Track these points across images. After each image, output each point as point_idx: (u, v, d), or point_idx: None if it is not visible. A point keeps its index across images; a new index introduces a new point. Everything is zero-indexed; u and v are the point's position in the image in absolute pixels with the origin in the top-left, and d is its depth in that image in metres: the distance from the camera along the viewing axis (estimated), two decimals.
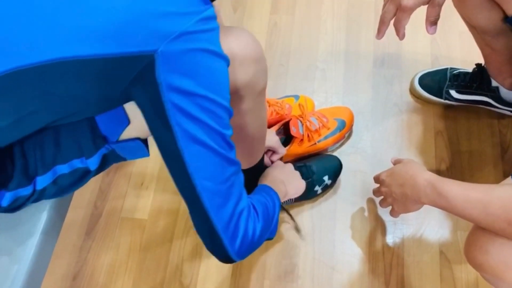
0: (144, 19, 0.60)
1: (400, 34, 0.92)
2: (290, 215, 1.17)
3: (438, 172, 1.22)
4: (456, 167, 1.22)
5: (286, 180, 1.05)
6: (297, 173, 1.12)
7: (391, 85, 1.35)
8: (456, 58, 1.36)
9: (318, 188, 1.16)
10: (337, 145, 1.25)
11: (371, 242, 1.14)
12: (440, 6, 0.84)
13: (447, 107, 1.29)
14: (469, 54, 1.22)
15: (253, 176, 1.03)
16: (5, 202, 0.77)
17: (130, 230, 1.20)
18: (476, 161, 1.23)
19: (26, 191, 0.77)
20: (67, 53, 0.60)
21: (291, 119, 1.18)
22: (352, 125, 1.26)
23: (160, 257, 1.16)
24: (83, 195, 1.24)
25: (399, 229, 1.15)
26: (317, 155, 1.22)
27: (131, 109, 0.77)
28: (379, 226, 1.16)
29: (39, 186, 0.78)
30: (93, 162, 0.79)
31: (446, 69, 1.28)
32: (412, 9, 0.85)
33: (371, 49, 1.41)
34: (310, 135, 1.18)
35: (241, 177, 0.74)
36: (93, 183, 1.25)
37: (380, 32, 0.94)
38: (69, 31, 0.60)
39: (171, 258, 1.15)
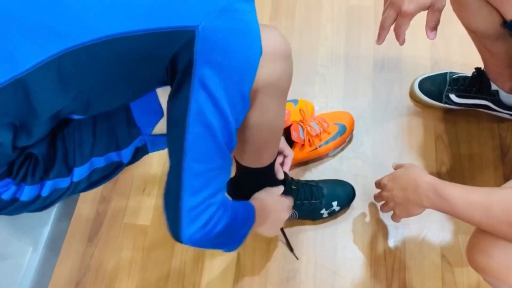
0: None
1: (401, 39, 0.92)
2: (285, 235, 1.14)
3: (439, 175, 1.21)
4: (457, 170, 1.22)
5: (269, 215, 0.97)
6: (286, 214, 1.03)
7: (391, 89, 1.35)
8: (456, 62, 1.36)
9: (324, 212, 1.14)
10: (338, 149, 1.25)
11: (373, 246, 1.14)
12: (440, 11, 0.85)
13: (447, 111, 1.29)
14: (469, 59, 1.23)
15: (260, 178, 1.01)
16: (45, 192, 0.77)
17: (132, 235, 1.19)
18: (477, 164, 1.23)
19: (64, 182, 0.77)
20: (115, 30, 0.61)
21: (291, 124, 1.18)
22: (352, 130, 1.26)
23: (162, 263, 1.16)
24: (85, 202, 1.24)
25: (400, 233, 1.15)
26: (331, 179, 1.18)
27: (165, 101, 0.75)
28: (381, 230, 1.16)
29: (76, 178, 0.78)
30: (126, 155, 0.80)
31: (446, 73, 1.28)
32: (412, 15, 0.85)
33: (371, 53, 1.41)
34: (311, 140, 1.19)
35: (226, 176, 0.75)
36: (95, 189, 1.25)
37: (381, 38, 0.94)
38: (114, 8, 0.61)
39: (174, 263, 1.15)
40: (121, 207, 1.23)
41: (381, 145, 1.27)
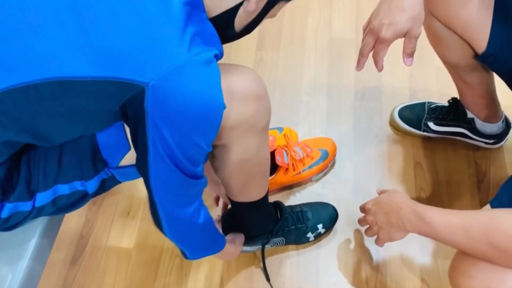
0: (143, 49, 0.61)
1: (379, 65, 0.93)
2: (264, 263, 1.13)
3: (418, 201, 1.21)
4: (435, 196, 1.24)
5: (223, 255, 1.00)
6: (234, 256, 1.06)
7: (372, 117, 1.38)
8: (433, 92, 1.40)
9: (311, 235, 1.15)
10: (321, 174, 1.26)
11: (355, 270, 1.14)
12: (416, 38, 0.87)
13: (425, 138, 1.32)
14: (446, 89, 1.27)
15: (252, 211, 1.02)
16: (4, 214, 0.76)
17: (116, 259, 1.18)
18: (454, 190, 1.25)
19: (25, 206, 0.77)
20: (64, 73, 0.61)
21: (276, 149, 1.19)
22: (335, 155, 1.28)
23: (146, 287, 1.14)
24: (69, 224, 1.22)
25: (381, 257, 1.15)
26: (313, 202, 1.20)
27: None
28: (363, 254, 1.16)
29: (38, 203, 0.78)
30: (91, 186, 0.80)
31: (424, 102, 1.31)
32: (390, 41, 0.87)
33: (352, 83, 1.44)
34: (294, 164, 1.20)
35: (201, 188, 0.78)
36: (79, 211, 1.24)
37: (360, 64, 0.96)
38: (67, 51, 0.61)
39: (157, 287, 1.13)
40: (105, 230, 1.22)
41: (362, 170, 1.29)
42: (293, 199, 1.24)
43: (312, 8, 1.61)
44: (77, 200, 0.80)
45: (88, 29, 0.61)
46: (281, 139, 1.21)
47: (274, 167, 1.20)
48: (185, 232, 0.83)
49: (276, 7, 0.75)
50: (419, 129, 1.30)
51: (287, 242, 1.14)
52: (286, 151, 1.19)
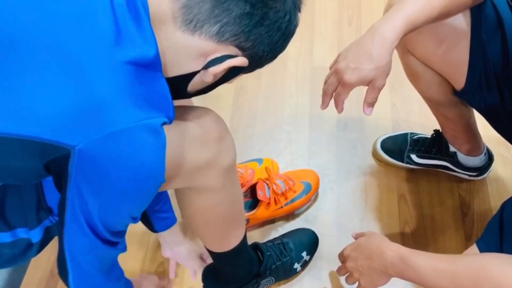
0: (73, 110, 0.55)
1: (339, 108, 0.89)
2: None
3: (402, 235, 1.18)
4: (420, 230, 1.19)
5: None
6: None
7: (354, 148, 1.33)
8: (416, 123, 1.36)
9: (297, 266, 1.08)
10: (304, 208, 1.20)
11: None
12: (379, 89, 0.83)
13: (409, 170, 1.28)
14: (428, 120, 1.23)
15: (230, 262, 0.95)
16: None
17: None
18: (438, 224, 1.20)
19: None
20: None
21: (257, 182, 1.13)
22: (318, 188, 1.22)
23: None
24: (40, 261, 1.12)
25: None
26: (291, 231, 1.14)
27: None
28: None
29: None
30: (35, 234, 0.73)
31: (407, 133, 1.28)
32: (352, 86, 0.83)
33: (334, 112, 1.36)
34: (276, 198, 1.14)
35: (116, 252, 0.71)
36: (51, 248, 1.14)
37: (324, 103, 0.91)
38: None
39: None
40: None
41: (345, 203, 1.23)
42: (274, 234, 1.17)
43: (293, 36, 1.57)
44: (23, 250, 0.72)
45: (13, 83, 0.54)
46: (263, 172, 1.15)
47: (255, 201, 1.14)
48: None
49: (235, 77, 0.70)
50: (402, 161, 1.26)
51: (277, 280, 1.07)
52: (267, 184, 1.13)
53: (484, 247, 0.77)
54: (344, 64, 0.82)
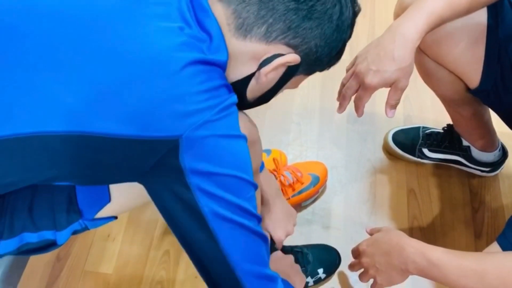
0: (172, 107, 0.57)
1: (359, 111, 0.86)
2: None
3: (411, 230, 1.15)
4: (428, 225, 1.16)
5: (287, 276, 0.88)
6: (298, 267, 0.97)
7: (365, 141, 1.30)
8: (429, 117, 1.32)
9: (310, 280, 1.03)
10: (311, 200, 1.18)
11: None
12: (402, 90, 0.79)
13: (419, 164, 1.24)
14: (441, 115, 1.19)
15: None
16: None
17: (93, 285, 1.07)
18: (448, 220, 1.17)
19: None
20: (93, 129, 0.55)
21: None
22: (326, 181, 1.19)
23: None
24: None
25: None
26: (315, 244, 1.09)
27: (115, 188, 0.70)
28: None
29: (1, 251, 0.68)
30: (62, 236, 0.70)
31: (419, 127, 1.24)
32: (375, 88, 0.79)
33: None
34: (284, 189, 1.11)
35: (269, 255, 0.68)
36: None
37: (342, 107, 0.88)
38: (97, 107, 0.56)
39: None
40: (83, 253, 1.12)
41: (354, 197, 1.20)
42: None
43: None
44: (44, 248, 0.71)
45: (117, 85, 0.56)
46: (270, 163, 1.13)
47: None
48: None
49: (294, 80, 0.69)
50: (413, 155, 1.22)
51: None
52: (275, 175, 1.11)
53: (506, 244, 0.73)
54: (364, 66, 0.79)
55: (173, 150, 0.56)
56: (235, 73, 0.65)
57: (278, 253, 0.97)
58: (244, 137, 0.63)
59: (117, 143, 0.56)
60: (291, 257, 0.97)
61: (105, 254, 1.11)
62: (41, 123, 0.56)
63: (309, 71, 0.69)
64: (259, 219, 0.65)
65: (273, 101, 1.54)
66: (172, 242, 1.12)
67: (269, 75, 0.65)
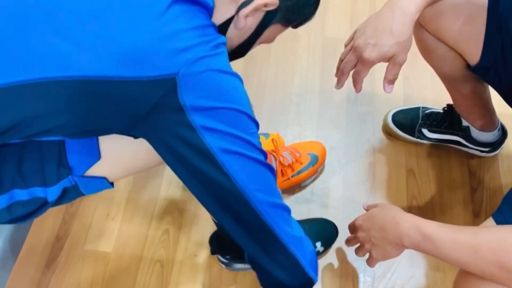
0: (166, 46, 0.58)
1: (358, 86, 0.85)
2: None
3: (409, 210, 1.15)
4: (427, 204, 1.16)
5: None
6: None
7: (364, 121, 1.29)
8: (428, 97, 1.31)
9: None
10: (311, 179, 1.17)
11: (342, 285, 1.06)
12: (400, 65, 0.79)
13: (419, 145, 1.24)
14: (441, 95, 1.18)
15: None
16: None
17: (93, 263, 1.08)
18: (447, 200, 1.17)
19: None
20: (91, 72, 0.56)
21: None
22: (324, 160, 1.19)
23: None
24: (45, 225, 1.12)
25: (370, 270, 1.06)
26: (312, 219, 1.09)
27: (105, 145, 0.69)
28: (350, 267, 1.06)
29: None
30: (52, 193, 0.70)
31: (419, 108, 1.23)
32: (373, 63, 0.79)
33: (345, 85, 1.33)
34: (283, 170, 1.11)
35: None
36: (56, 212, 1.14)
37: (340, 83, 0.87)
38: (91, 51, 0.57)
39: None
40: (82, 233, 1.12)
41: (353, 176, 1.20)
42: None
43: None
44: (36, 209, 0.70)
45: (109, 29, 0.58)
46: (269, 144, 1.12)
47: None
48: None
49: (270, 30, 0.70)
50: (413, 135, 1.21)
51: None
52: (274, 156, 1.10)
53: (502, 220, 0.73)
54: (363, 41, 0.78)
55: (172, 89, 0.57)
56: (217, 17, 0.66)
57: None
58: (239, 77, 0.64)
59: (113, 85, 0.57)
60: None
61: (104, 234, 1.12)
62: (37, 70, 0.57)
63: (286, 20, 0.71)
64: (265, 154, 0.66)
65: (272, 81, 1.52)
66: (171, 222, 1.12)
67: (248, 20, 0.67)
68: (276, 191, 0.68)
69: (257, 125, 0.66)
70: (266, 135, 1.14)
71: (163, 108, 0.58)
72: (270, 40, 0.74)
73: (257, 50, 1.41)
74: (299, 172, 1.13)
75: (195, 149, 0.60)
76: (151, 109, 0.58)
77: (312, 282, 0.73)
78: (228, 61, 0.64)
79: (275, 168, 1.09)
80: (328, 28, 1.47)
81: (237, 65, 1.40)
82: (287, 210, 0.70)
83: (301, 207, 1.14)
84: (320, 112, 1.31)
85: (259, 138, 0.66)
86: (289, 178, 1.12)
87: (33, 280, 1.06)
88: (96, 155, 0.69)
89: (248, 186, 0.63)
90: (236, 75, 0.64)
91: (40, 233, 1.11)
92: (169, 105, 0.58)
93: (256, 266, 0.73)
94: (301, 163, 1.13)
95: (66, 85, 0.57)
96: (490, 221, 0.74)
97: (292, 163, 1.12)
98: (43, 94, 0.58)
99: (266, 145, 1.12)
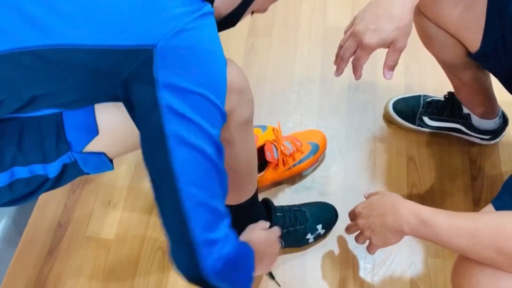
0: (145, 15, 0.57)
1: (358, 73, 0.84)
2: (272, 276, 1.04)
3: (410, 197, 1.14)
4: (428, 193, 1.16)
5: (261, 255, 0.83)
6: (277, 247, 0.91)
7: (365, 110, 1.29)
8: (429, 85, 1.31)
9: (310, 237, 1.04)
10: (311, 168, 1.17)
11: (342, 270, 1.06)
12: (400, 51, 0.78)
13: (419, 133, 1.23)
14: (442, 83, 1.17)
15: (242, 215, 0.89)
16: None
17: (94, 250, 1.08)
18: (447, 187, 1.17)
19: None
20: (68, 40, 0.56)
21: (265, 144, 1.09)
22: (325, 148, 1.19)
23: (125, 280, 1.05)
24: (47, 212, 1.13)
25: (370, 256, 1.06)
26: (312, 202, 1.09)
27: (103, 121, 0.68)
28: (351, 253, 1.07)
29: None
30: (52, 169, 0.69)
31: (420, 96, 1.22)
32: (373, 48, 0.78)
33: (345, 74, 1.32)
34: (284, 159, 1.10)
35: (224, 192, 0.66)
36: (58, 199, 1.14)
37: (339, 69, 0.86)
38: (70, 20, 0.56)
39: (137, 281, 1.04)
40: (84, 219, 1.12)
41: (353, 165, 1.20)
42: (282, 195, 1.15)
43: None
44: (36, 188, 0.70)
45: (88, 2, 0.57)
46: (270, 134, 1.11)
47: (263, 164, 1.11)
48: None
49: None
50: (414, 123, 1.21)
51: (286, 245, 1.04)
52: (275, 146, 1.10)
53: (501, 206, 0.73)
54: (363, 26, 0.77)
55: (147, 60, 0.56)
56: None
57: (262, 223, 0.92)
58: (223, 59, 0.62)
59: (91, 54, 0.56)
60: (274, 233, 0.91)
61: (106, 220, 1.12)
62: (14, 39, 0.56)
63: None
64: (220, 150, 0.63)
65: (273, 70, 1.52)
66: None
67: None
68: (215, 192, 0.64)
69: (223, 117, 0.63)
70: (264, 127, 1.14)
71: (138, 77, 0.57)
72: (263, 8, 0.70)
73: (258, 39, 1.42)
74: (300, 161, 1.13)
75: (151, 123, 0.59)
76: (127, 78, 0.58)
77: (198, 273, 0.63)
78: (215, 34, 0.61)
79: (277, 158, 1.09)
80: (329, 17, 1.47)
81: (238, 54, 1.40)
82: (217, 214, 0.64)
83: (301, 195, 1.14)
84: (321, 100, 1.31)
85: (220, 130, 0.64)
86: (290, 168, 1.12)
87: (35, 267, 1.07)
88: (94, 131, 0.68)
89: (184, 175, 0.60)
90: (219, 56, 0.61)
91: (42, 219, 1.12)
92: (143, 76, 0.57)
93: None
94: (302, 152, 1.13)
95: (43, 54, 0.56)
96: (490, 207, 0.74)
97: (293, 152, 1.11)
98: (20, 65, 0.58)
99: (266, 135, 1.11)
